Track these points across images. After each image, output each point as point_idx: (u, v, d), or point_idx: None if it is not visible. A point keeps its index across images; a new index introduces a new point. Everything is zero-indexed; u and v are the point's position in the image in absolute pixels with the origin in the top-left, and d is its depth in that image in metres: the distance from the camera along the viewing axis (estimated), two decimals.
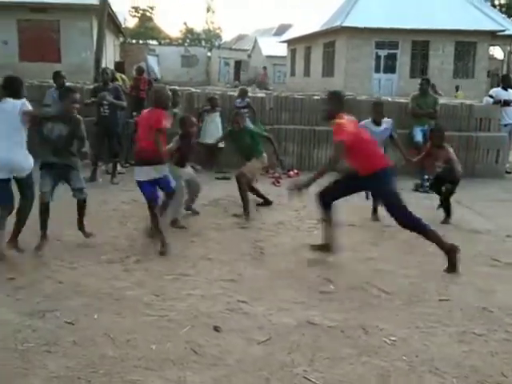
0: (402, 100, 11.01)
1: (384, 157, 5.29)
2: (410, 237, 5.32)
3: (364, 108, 10.60)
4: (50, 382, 2.98)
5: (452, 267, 4.84)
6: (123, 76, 10.90)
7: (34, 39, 20.72)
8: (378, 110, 6.76)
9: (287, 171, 9.50)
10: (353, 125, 5.00)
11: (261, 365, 3.23)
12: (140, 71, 10.51)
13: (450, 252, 4.85)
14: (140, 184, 5.37)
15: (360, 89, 19.10)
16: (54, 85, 8.60)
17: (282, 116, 10.55)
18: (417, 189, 8.54)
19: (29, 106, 4.88)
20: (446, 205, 6.75)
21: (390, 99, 11.40)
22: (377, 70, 23.87)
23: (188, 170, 6.50)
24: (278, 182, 8.93)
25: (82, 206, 5.45)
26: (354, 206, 6.52)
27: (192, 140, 6.44)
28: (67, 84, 8.54)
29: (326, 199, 5.14)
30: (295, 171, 9.67)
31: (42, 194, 5.11)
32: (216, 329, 3.65)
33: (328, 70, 25.64)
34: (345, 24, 22.85)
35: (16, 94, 4.83)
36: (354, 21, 22.79)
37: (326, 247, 5.20)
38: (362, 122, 6.33)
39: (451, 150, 6.71)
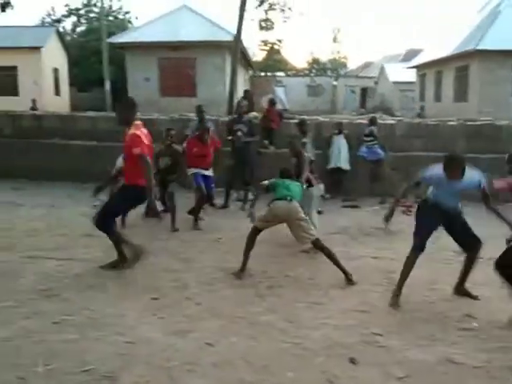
0: None
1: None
2: None
3: (505, 135, 10.02)
4: None
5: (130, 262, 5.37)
6: (255, 113, 11.42)
7: (172, 76, 22.28)
8: (453, 167, 4.49)
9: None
10: (145, 136, 5.25)
11: None
12: (272, 103, 10.88)
13: (136, 253, 5.33)
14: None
15: (497, 114, 17.92)
16: (196, 118, 9.13)
17: (413, 143, 10.26)
18: None
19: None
20: None
21: None
22: None
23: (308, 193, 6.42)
24: (410, 211, 8.63)
25: (168, 201, 7.50)
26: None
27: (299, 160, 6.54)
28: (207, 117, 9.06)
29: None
30: None
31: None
32: (352, 361, 3.58)
33: (461, 94, 24.48)
34: (479, 47, 21.78)
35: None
36: (489, 43, 21.62)
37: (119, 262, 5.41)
38: (435, 171, 4.68)
39: None
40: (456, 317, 4.38)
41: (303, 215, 5.51)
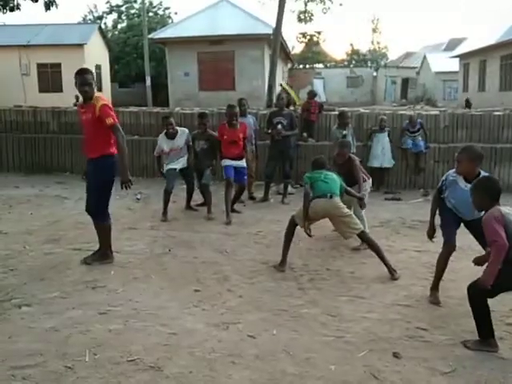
0: None
1: (114, 144, 5.24)
2: None
3: None
4: None
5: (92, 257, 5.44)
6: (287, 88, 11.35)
7: (211, 70, 22.40)
8: (464, 158, 4.30)
9: None
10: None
11: None
12: (312, 95, 10.80)
13: (105, 251, 5.45)
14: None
15: None
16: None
17: (457, 134, 10.03)
18: None
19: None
20: None
21: None
22: None
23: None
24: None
25: (203, 192, 7.85)
26: None
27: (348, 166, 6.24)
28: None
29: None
30: None
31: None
32: (395, 355, 3.53)
33: (506, 83, 23.80)
34: None
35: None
36: None
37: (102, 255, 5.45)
38: (451, 171, 4.55)
39: None
40: (502, 312, 4.26)
41: (346, 210, 5.42)
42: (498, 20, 26.56)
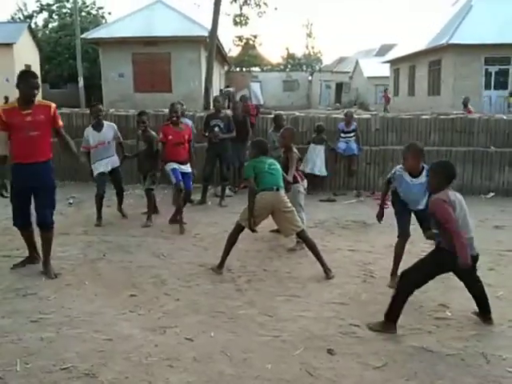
0: None
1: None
2: None
3: (476, 127, 10.22)
4: None
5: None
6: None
7: (147, 71, 22.09)
8: (409, 154, 4.75)
9: None
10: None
11: None
12: (245, 99, 10.84)
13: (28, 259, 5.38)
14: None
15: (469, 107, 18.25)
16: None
17: (388, 137, 10.39)
18: None
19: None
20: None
21: (504, 117, 10.81)
22: (487, 87, 22.78)
23: (293, 190, 6.31)
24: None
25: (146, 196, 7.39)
26: None
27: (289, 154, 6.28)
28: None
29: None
30: None
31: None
32: (330, 352, 3.63)
33: (434, 88, 24.86)
34: (452, 41, 22.14)
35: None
36: (462, 37, 22.01)
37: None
38: (398, 166, 4.98)
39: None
40: (431, 307, 4.47)
41: (289, 204, 5.47)
42: (427, 26, 27.74)
